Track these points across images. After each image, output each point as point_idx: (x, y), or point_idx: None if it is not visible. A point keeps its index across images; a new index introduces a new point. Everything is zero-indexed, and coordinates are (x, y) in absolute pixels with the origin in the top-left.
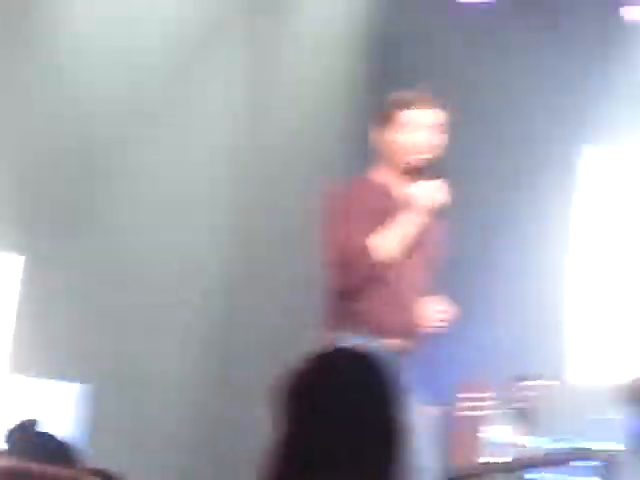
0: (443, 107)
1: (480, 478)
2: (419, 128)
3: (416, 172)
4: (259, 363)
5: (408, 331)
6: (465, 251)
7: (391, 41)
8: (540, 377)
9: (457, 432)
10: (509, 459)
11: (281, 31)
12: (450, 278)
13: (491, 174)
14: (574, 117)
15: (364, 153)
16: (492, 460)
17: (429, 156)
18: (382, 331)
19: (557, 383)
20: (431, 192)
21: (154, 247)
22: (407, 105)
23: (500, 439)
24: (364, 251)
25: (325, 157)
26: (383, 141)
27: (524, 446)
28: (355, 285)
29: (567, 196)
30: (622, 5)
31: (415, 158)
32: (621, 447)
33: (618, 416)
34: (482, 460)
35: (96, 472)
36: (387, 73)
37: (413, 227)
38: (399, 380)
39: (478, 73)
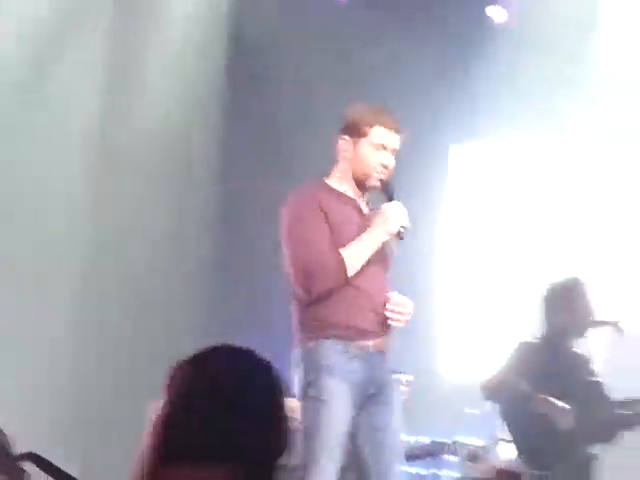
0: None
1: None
2: (387, 148)
3: (371, 189)
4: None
5: (380, 331)
6: None
7: (253, 40)
8: (412, 371)
9: None
10: None
11: (141, 31)
12: None
13: None
14: (438, 116)
15: (224, 152)
16: None
17: (385, 177)
18: (356, 334)
19: (430, 377)
20: (400, 214)
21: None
22: (381, 122)
23: None
24: (339, 265)
25: (185, 157)
26: (350, 151)
27: None
28: (326, 294)
29: (435, 195)
30: (487, 4)
31: (377, 177)
32: (483, 442)
33: (488, 411)
34: None
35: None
36: (249, 73)
37: (380, 244)
38: (279, 376)
39: (337, 71)
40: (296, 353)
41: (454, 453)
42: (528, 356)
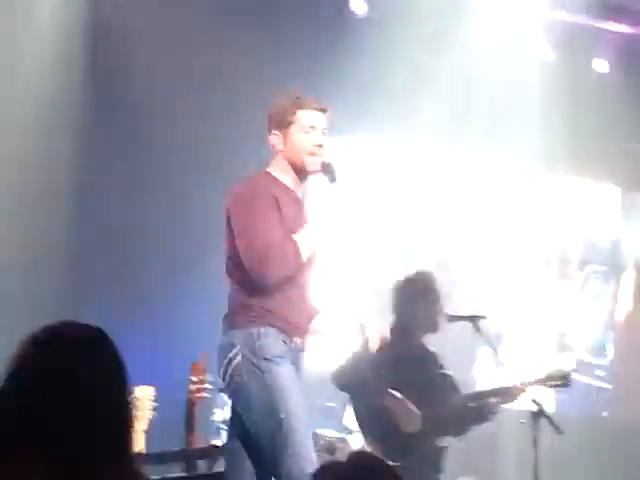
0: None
1: (210, 460)
2: (316, 129)
3: (311, 173)
4: None
5: (308, 330)
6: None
7: (116, 33)
8: None
9: (189, 414)
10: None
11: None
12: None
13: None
14: None
15: (87, 143)
16: (219, 443)
17: (323, 158)
18: (290, 329)
19: None
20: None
21: None
22: (303, 106)
23: (224, 422)
24: (293, 251)
25: (49, 149)
26: (282, 143)
27: None
28: (276, 282)
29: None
30: None
31: (313, 159)
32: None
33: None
34: (213, 443)
35: None
36: (111, 64)
37: (321, 238)
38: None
39: (201, 64)
40: (231, 333)
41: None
42: (378, 349)
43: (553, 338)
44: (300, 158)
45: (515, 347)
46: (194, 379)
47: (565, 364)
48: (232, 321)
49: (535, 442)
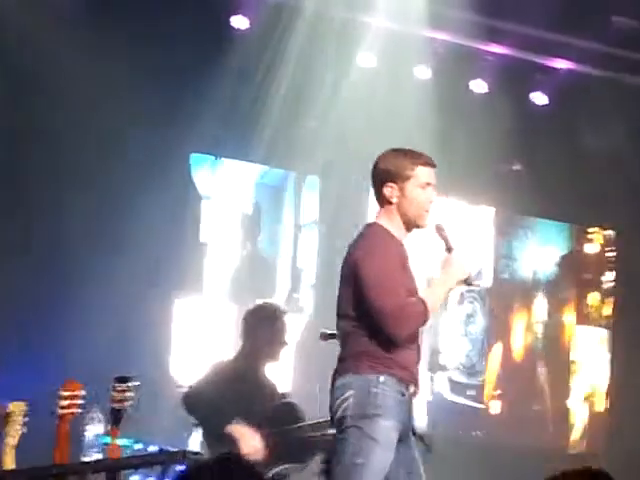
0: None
1: (80, 477)
2: (431, 184)
3: (421, 228)
4: None
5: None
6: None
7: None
8: (138, 378)
9: (57, 430)
10: (104, 458)
11: None
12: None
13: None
14: (180, 124)
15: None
16: (89, 459)
17: (439, 222)
18: (409, 377)
19: (161, 384)
20: (467, 261)
21: None
22: (421, 162)
23: (97, 438)
24: (424, 310)
25: None
26: (398, 197)
27: (118, 446)
28: (406, 337)
29: (176, 200)
30: (231, 14)
31: (426, 216)
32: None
33: None
34: (82, 459)
35: None
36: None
37: (449, 291)
38: None
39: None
40: (349, 377)
41: (182, 462)
42: (225, 374)
43: (426, 357)
44: (415, 213)
45: None
46: (65, 394)
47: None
48: (352, 365)
49: None
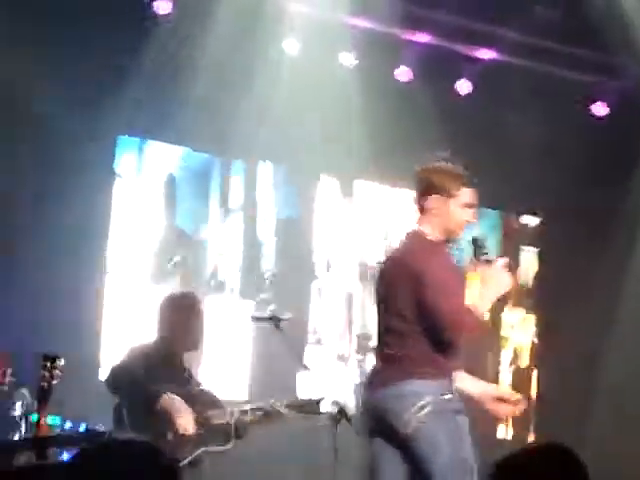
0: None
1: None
2: (472, 206)
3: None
4: None
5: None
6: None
7: None
8: (64, 356)
9: None
10: (33, 437)
11: None
12: None
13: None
14: (105, 107)
15: None
16: (14, 437)
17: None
18: (452, 386)
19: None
20: (506, 276)
21: None
22: (467, 184)
23: (24, 416)
24: (478, 318)
25: None
26: (440, 209)
27: (47, 425)
28: (459, 341)
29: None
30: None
31: (460, 232)
32: None
33: None
34: (9, 437)
35: None
36: None
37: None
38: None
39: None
40: (416, 383)
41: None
42: (146, 357)
43: (357, 341)
44: (452, 229)
45: (322, 350)
46: None
47: (315, 394)
48: (417, 371)
49: (335, 444)
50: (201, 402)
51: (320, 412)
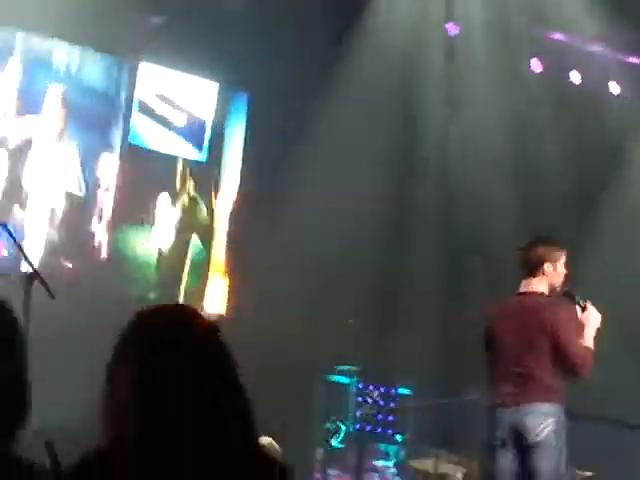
0: None
1: None
2: (564, 271)
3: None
4: None
5: None
6: None
7: None
8: None
9: None
10: None
11: None
12: None
13: None
14: None
15: None
16: None
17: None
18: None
19: None
20: (597, 315)
21: None
22: (564, 253)
23: None
24: (592, 356)
25: None
26: (551, 272)
27: None
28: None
29: None
30: None
31: (561, 282)
32: None
33: None
34: None
35: None
36: None
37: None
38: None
39: None
40: (548, 406)
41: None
42: None
43: None
44: (558, 282)
45: None
46: None
47: None
48: (550, 397)
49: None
50: None
51: None
